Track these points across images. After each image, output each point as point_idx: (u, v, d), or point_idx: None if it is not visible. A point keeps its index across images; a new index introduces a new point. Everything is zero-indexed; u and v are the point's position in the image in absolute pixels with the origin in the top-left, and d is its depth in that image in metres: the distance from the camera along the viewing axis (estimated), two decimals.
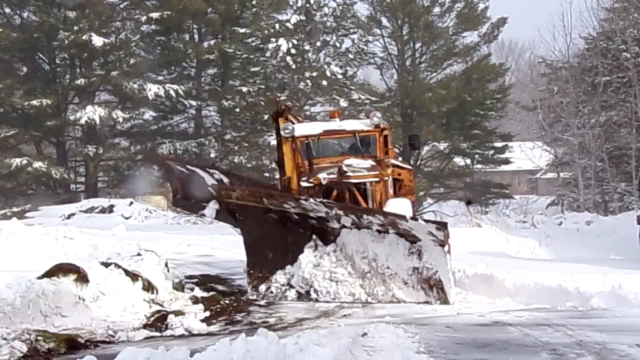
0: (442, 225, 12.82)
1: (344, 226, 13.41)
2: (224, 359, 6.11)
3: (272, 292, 13.61)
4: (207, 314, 12.08)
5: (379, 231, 13.19)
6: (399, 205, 14.42)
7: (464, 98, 44.63)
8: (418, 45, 46.81)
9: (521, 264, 18.37)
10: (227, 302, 13.34)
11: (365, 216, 13.20)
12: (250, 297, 13.55)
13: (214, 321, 11.65)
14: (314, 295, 13.26)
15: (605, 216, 36.98)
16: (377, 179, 14.73)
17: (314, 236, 13.63)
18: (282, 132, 14.98)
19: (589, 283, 13.25)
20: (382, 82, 49.38)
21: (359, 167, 14.56)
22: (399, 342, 9.03)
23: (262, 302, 13.28)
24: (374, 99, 42.09)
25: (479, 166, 50.10)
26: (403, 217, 12.98)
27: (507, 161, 48.92)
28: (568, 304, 12.38)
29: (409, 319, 11.11)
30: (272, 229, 13.82)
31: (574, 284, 13.05)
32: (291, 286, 13.53)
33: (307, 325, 10.94)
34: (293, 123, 15.46)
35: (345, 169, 14.29)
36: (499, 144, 48.48)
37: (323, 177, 14.32)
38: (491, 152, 47.98)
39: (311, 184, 14.42)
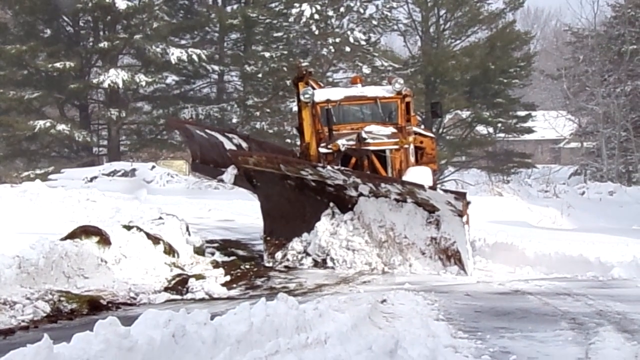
0: (461, 195, 12.60)
1: (361, 194, 13.26)
2: (244, 322, 6.14)
3: (288, 260, 13.53)
4: (228, 278, 12.18)
5: (397, 200, 13.05)
6: (419, 174, 14.16)
7: (488, 66, 44.27)
8: (442, 11, 46.34)
9: (542, 234, 18.32)
10: (247, 267, 13.44)
11: (383, 185, 13.04)
12: (267, 265, 13.49)
13: (234, 285, 11.74)
14: (330, 264, 13.17)
15: (629, 186, 36.70)
16: (396, 147, 14.52)
17: (331, 204, 13.50)
18: (301, 97, 14.71)
19: (610, 253, 13.22)
20: (406, 49, 49.14)
21: (379, 134, 14.36)
22: (418, 309, 9.06)
23: (282, 268, 13.32)
24: (397, 66, 41.85)
25: (502, 135, 49.76)
26: (421, 186, 12.77)
27: (530, 130, 48.55)
28: (589, 274, 12.37)
29: (428, 287, 11.14)
30: (289, 196, 13.71)
31: (595, 254, 13.02)
32: (307, 254, 13.47)
33: (326, 291, 11.00)
34: (314, 88, 15.23)
35: (364, 135, 14.11)
36: (522, 113, 48.12)
37: (342, 143, 14.14)
38: (514, 120, 47.62)
39: (330, 150, 14.25)
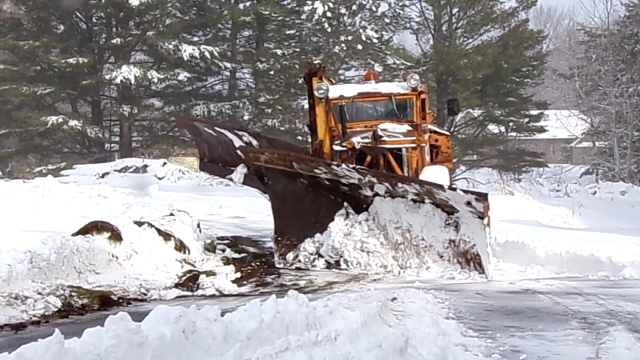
0: (482, 196, 12.06)
1: (377, 194, 12.83)
2: (255, 319, 6.15)
3: (300, 261, 13.13)
4: (238, 275, 12.20)
5: (414, 200, 12.62)
6: (436, 174, 13.67)
7: (500, 65, 44.10)
8: (455, 10, 46.22)
9: (553, 233, 18.27)
10: (257, 263, 13.44)
11: (400, 184, 12.58)
12: (278, 265, 13.16)
13: (245, 282, 11.77)
14: (343, 266, 12.76)
15: None
16: (413, 145, 14.06)
17: (345, 204, 13.08)
18: (315, 92, 14.01)
19: (622, 253, 13.19)
20: (418, 47, 49.01)
21: (394, 131, 13.91)
22: (429, 307, 9.05)
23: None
24: (409, 64, 41.82)
25: (513, 134, 49.58)
26: (440, 187, 12.35)
27: (542, 129, 48.39)
28: (600, 274, 12.35)
29: (438, 285, 11.13)
30: (302, 195, 13.30)
31: (606, 254, 12.98)
32: (320, 255, 13.04)
33: (337, 288, 11.01)
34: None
35: (380, 133, 13.67)
36: (534, 112, 47.94)
37: (357, 141, 13.70)
38: (526, 119, 47.44)
39: (344, 148, 13.79)
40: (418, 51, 48.82)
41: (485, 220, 12.02)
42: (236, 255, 13.95)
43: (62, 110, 42.52)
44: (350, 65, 42.91)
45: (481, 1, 45.19)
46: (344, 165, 12.85)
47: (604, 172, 43.87)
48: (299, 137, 39.45)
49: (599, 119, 46.77)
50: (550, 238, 15.13)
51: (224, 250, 14.24)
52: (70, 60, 39.10)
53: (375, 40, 40.48)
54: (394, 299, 9.37)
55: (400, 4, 43.28)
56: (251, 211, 20.88)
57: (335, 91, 14.72)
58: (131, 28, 41.49)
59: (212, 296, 10.56)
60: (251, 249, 14.92)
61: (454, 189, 12.67)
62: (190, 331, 5.53)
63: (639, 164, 42.76)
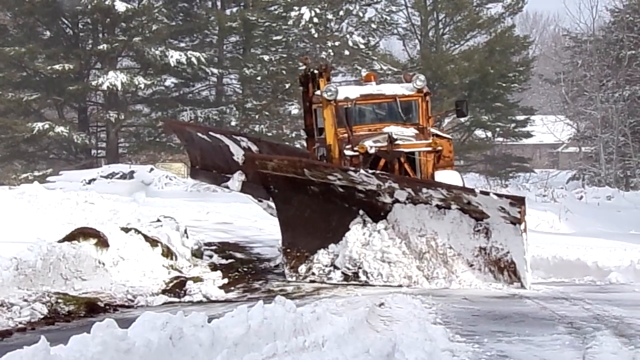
0: (518, 201, 11.48)
1: (397, 201, 12.12)
2: (242, 325, 6.15)
3: (313, 274, 12.35)
4: (225, 281, 12.18)
5: (438, 206, 11.96)
6: (449, 178, 13.06)
7: (487, 70, 44.27)
8: (441, 16, 46.44)
9: (540, 238, 18.28)
10: (245, 269, 13.42)
11: (424, 190, 11.89)
12: (290, 279, 12.39)
13: (232, 288, 11.75)
14: (363, 278, 12.02)
15: (627, 191, 36.71)
16: (429, 148, 13.40)
17: (360, 212, 12.34)
18: (324, 94, 13.11)
19: (608, 258, 13.23)
20: (405, 52, 49.14)
21: (403, 135, 13.26)
22: (416, 312, 9.06)
23: (280, 271, 13.22)
24: (395, 69, 41.88)
25: (500, 139, 49.80)
26: (471, 191, 11.85)
27: (528, 134, 48.64)
28: (586, 278, 12.40)
29: (425, 290, 11.15)
30: (312, 203, 12.55)
31: (592, 259, 13.03)
32: (336, 267, 12.26)
33: (324, 294, 11.00)
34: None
35: (394, 136, 12.98)
36: (520, 117, 48.17)
37: (369, 145, 12.91)
38: (513, 125, 47.67)
39: (356, 153, 13.00)
40: (405, 57, 48.96)
41: (522, 226, 11.44)
42: (223, 261, 13.92)
43: (49, 117, 42.39)
44: (337, 70, 42.96)
45: (467, 7, 45.41)
46: (362, 171, 12.12)
47: (590, 177, 44.01)
48: (287, 143, 39.43)
49: (585, 124, 46.94)
50: (537, 243, 15.13)
51: (211, 256, 14.20)
52: (57, 67, 38.99)
53: (362, 46, 40.57)
54: (382, 304, 9.38)
55: (387, 9, 43.45)
56: (238, 217, 20.85)
57: (340, 93, 13.83)
58: (118, 34, 41.41)
59: (199, 302, 10.53)
60: (238, 255, 14.88)
61: (487, 193, 12.06)
62: (177, 337, 5.52)
63: (624, 169, 42.94)
